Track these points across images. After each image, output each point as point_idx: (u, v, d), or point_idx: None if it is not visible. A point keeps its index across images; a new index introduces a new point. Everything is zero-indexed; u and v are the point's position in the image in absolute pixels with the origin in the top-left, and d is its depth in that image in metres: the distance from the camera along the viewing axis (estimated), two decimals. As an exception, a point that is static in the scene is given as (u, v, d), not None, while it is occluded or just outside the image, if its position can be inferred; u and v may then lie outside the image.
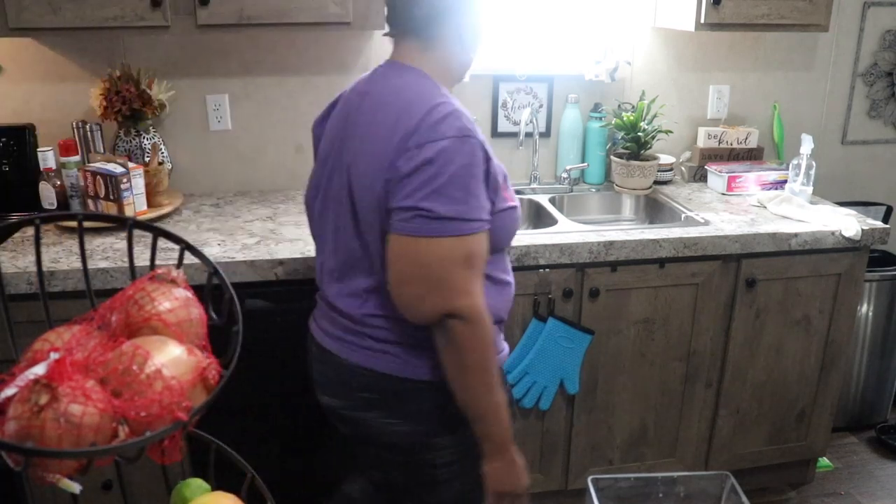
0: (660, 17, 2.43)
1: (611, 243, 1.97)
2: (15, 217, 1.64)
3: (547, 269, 1.97)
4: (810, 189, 2.30)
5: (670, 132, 2.47)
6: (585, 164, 2.51)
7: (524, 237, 1.97)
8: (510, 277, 1.44)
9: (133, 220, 0.96)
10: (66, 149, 2.02)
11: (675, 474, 1.87)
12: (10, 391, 0.71)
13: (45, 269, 1.58)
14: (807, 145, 2.28)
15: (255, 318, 1.79)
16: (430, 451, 1.39)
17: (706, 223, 2.12)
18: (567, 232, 2.04)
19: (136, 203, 1.99)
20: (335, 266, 1.39)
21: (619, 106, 2.48)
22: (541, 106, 2.50)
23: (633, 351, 2.10)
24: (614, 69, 2.42)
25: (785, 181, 2.37)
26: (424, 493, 1.46)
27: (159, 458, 0.81)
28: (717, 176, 2.46)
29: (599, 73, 2.43)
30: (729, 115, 2.65)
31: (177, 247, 0.94)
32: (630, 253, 1.98)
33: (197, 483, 0.96)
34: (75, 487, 0.76)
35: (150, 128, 2.19)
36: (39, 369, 0.72)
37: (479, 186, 1.23)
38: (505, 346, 1.45)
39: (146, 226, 0.97)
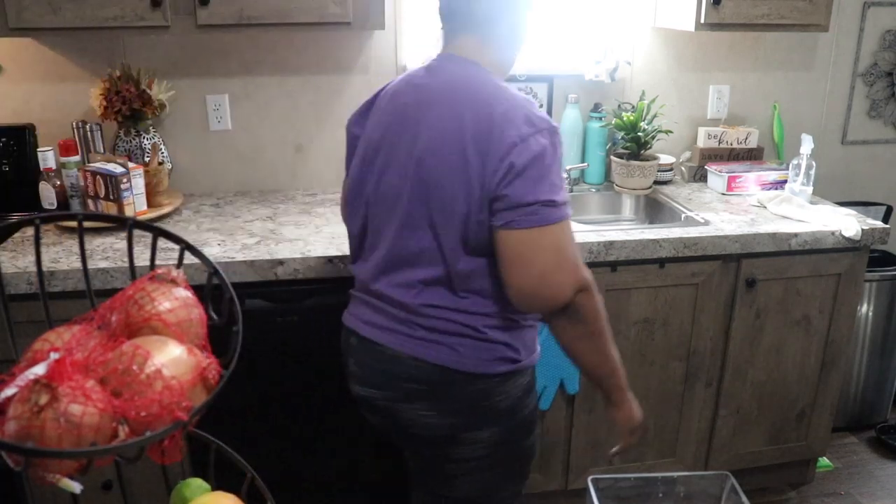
0: (660, 17, 2.43)
1: (611, 243, 1.97)
2: (15, 217, 1.63)
3: (547, 269, 1.97)
4: (810, 189, 2.30)
5: (670, 132, 2.47)
6: (585, 164, 2.51)
7: (524, 237, 1.96)
8: None
9: (133, 220, 0.95)
10: (66, 149, 2.03)
11: (675, 474, 1.87)
12: (10, 391, 0.71)
13: (45, 269, 1.58)
14: (807, 145, 2.28)
15: (255, 318, 1.79)
16: (456, 446, 1.40)
17: (706, 223, 2.12)
18: (567, 232, 2.03)
19: (136, 203, 1.99)
20: (387, 258, 1.37)
21: (619, 106, 2.48)
22: (541, 106, 2.50)
23: (633, 351, 2.10)
24: (614, 69, 2.42)
25: (785, 181, 2.37)
26: (437, 486, 1.48)
27: (159, 458, 0.81)
28: (717, 176, 2.46)
29: (599, 73, 2.43)
30: (729, 115, 2.65)
31: (177, 247, 0.94)
32: (630, 253, 1.98)
33: (197, 483, 0.95)
34: (75, 487, 0.76)
35: (150, 128, 2.19)
36: (39, 369, 0.71)
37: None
38: (538, 347, 1.47)
39: (146, 226, 0.96)
